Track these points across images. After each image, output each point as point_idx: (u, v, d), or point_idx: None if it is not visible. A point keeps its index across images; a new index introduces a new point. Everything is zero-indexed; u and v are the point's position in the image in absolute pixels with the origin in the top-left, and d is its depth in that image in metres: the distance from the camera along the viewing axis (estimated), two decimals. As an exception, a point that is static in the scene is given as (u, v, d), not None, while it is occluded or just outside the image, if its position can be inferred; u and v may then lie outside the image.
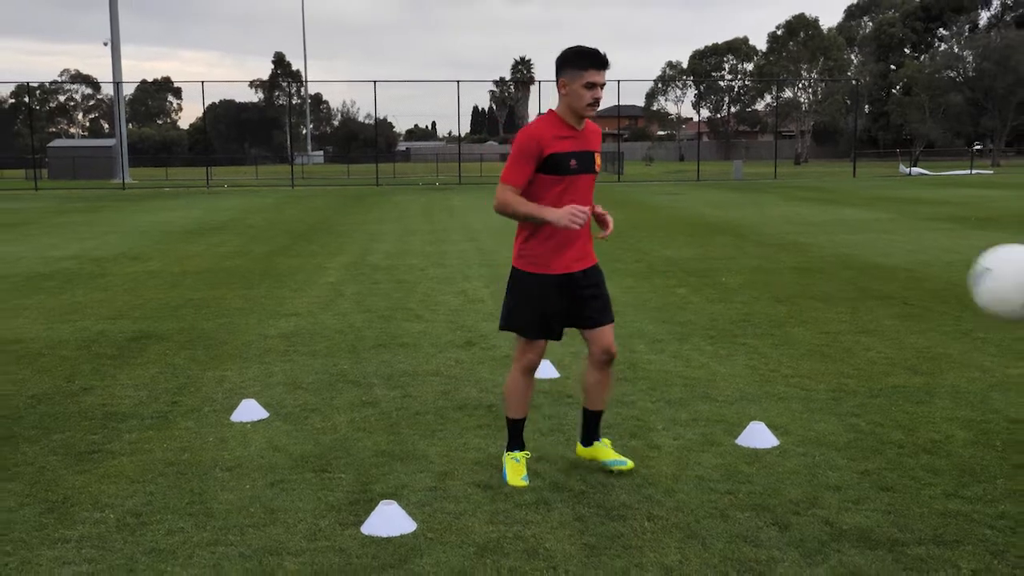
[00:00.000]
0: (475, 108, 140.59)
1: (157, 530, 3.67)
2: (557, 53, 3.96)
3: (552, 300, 4.02)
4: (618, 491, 4.03)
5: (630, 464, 4.23)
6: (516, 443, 4.22)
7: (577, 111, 3.92)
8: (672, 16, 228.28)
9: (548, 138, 3.89)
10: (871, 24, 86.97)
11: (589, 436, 4.32)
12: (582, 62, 3.86)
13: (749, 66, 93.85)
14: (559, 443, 4.68)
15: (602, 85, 3.90)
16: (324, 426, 5.02)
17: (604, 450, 4.28)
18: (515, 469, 4.14)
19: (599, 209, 4.13)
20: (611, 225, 4.10)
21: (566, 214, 3.82)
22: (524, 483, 4.09)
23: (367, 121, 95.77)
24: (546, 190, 3.94)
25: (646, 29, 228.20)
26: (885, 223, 17.35)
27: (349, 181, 48.71)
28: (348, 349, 6.93)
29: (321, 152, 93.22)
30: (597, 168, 4.07)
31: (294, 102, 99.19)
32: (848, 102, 76.36)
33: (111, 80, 47.40)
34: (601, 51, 3.89)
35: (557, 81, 3.94)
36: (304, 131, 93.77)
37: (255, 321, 8.10)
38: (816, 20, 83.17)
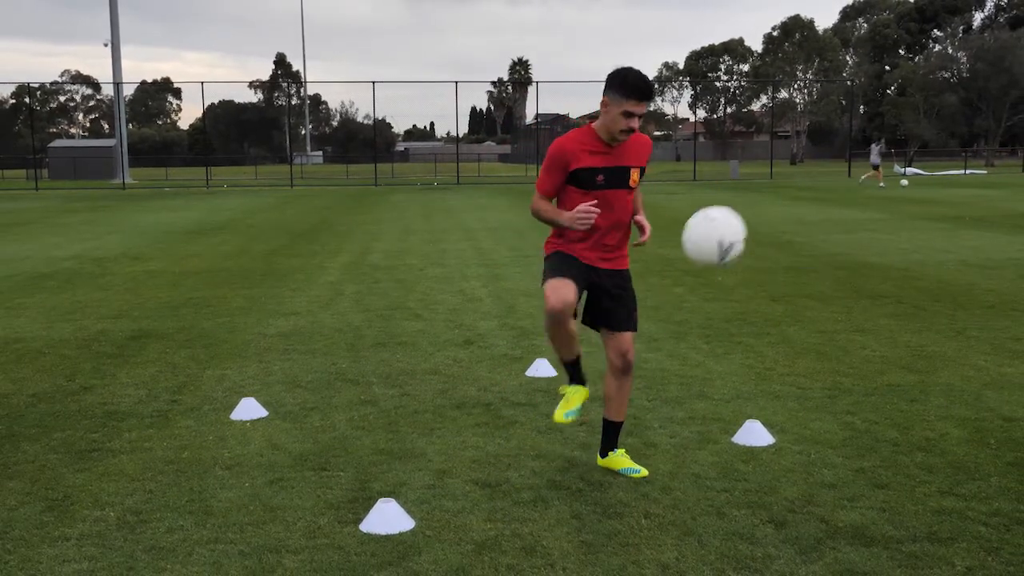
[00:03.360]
0: (473, 108, 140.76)
1: (157, 528, 3.69)
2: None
3: (577, 263, 4.07)
4: (615, 489, 4.05)
5: (644, 472, 4.20)
6: (574, 379, 4.23)
7: (611, 133, 3.96)
8: (669, 17, 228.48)
9: (576, 152, 3.95)
10: (866, 25, 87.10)
11: (605, 447, 4.29)
12: (626, 91, 3.86)
13: (745, 67, 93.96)
14: (557, 441, 4.71)
15: (640, 116, 3.93)
16: (323, 424, 5.04)
17: (619, 460, 4.26)
18: (563, 404, 4.18)
19: (640, 218, 4.23)
20: (647, 233, 4.26)
21: (573, 215, 3.92)
22: (566, 420, 4.14)
23: (366, 121, 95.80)
24: (575, 202, 4.01)
25: (643, 30, 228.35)
26: (879, 223, 17.39)
27: (348, 181, 48.72)
28: (347, 348, 6.96)
29: (320, 152, 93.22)
30: (633, 183, 4.07)
31: (293, 103, 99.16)
32: (843, 103, 76.42)
33: (111, 81, 47.40)
34: (649, 82, 3.92)
35: (603, 96, 3.96)
36: (303, 131, 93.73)
37: (254, 320, 8.12)
38: (811, 21, 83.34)
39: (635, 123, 3.91)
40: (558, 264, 4.07)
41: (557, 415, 4.19)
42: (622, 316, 4.20)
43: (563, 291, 3.91)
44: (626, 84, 3.87)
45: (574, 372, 4.24)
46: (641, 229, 4.27)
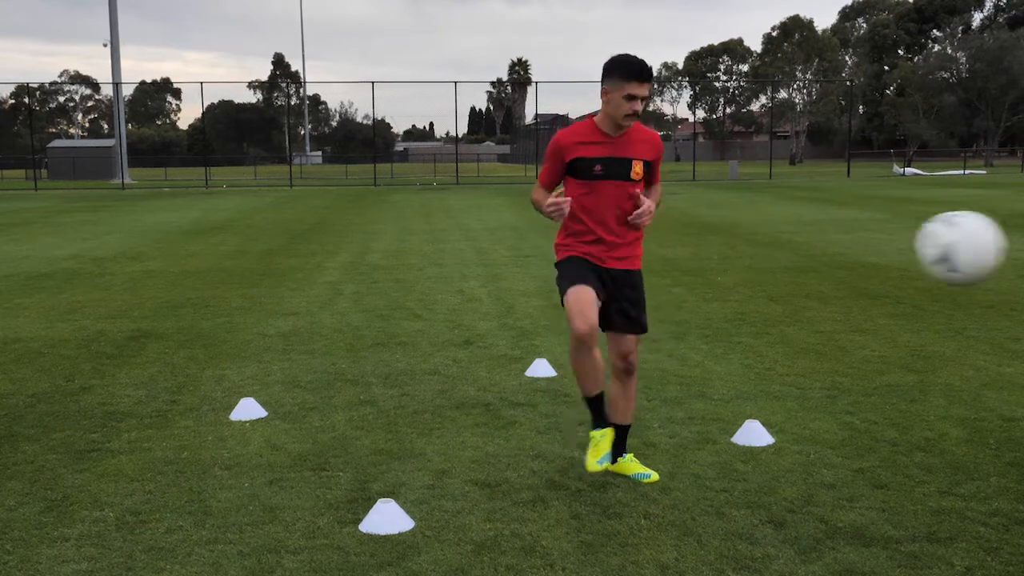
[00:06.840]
0: (472, 109, 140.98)
1: (156, 528, 3.69)
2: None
3: (589, 264, 4.03)
4: (614, 489, 4.05)
5: (655, 476, 4.17)
6: (596, 421, 4.11)
7: (615, 120, 3.96)
8: (669, 17, 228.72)
9: (572, 144, 3.98)
10: (865, 25, 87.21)
11: (615, 452, 4.21)
12: (625, 73, 3.88)
13: (744, 67, 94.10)
14: (556, 441, 4.71)
15: (643, 98, 3.92)
16: (322, 425, 5.04)
17: (629, 465, 4.23)
18: (592, 451, 4.05)
19: (640, 197, 4.02)
20: (645, 205, 3.98)
21: (547, 207, 3.99)
22: (599, 467, 4.02)
23: (365, 121, 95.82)
24: (574, 192, 4.05)
25: (643, 30, 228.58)
26: (879, 222, 17.39)
27: (347, 181, 48.72)
28: (346, 348, 6.96)
29: (319, 152, 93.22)
30: (636, 176, 4.00)
31: (292, 103, 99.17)
32: (842, 103, 76.47)
33: (111, 81, 47.43)
34: (646, 64, 3.93)
35: (601, 86, 3.98)
36: (302, 131, 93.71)
37: (254, 320, 8.12)
38: (811, 21, 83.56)
39: (638, 105, 3.92)
40: (574, 270, 4.03)
41: (589, 464, 4.05)
42: (630, 318, 4.14)
43: (588, 312, 3.88)
44: (625, 67, 3.90)
45: (598, 411, 4.10)
46: (638, 204, 4.03)
